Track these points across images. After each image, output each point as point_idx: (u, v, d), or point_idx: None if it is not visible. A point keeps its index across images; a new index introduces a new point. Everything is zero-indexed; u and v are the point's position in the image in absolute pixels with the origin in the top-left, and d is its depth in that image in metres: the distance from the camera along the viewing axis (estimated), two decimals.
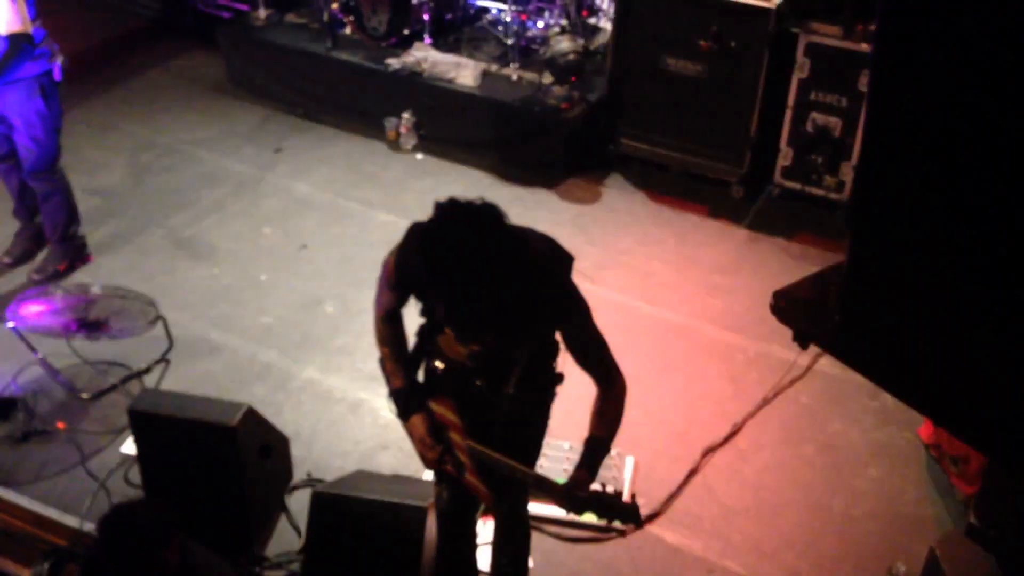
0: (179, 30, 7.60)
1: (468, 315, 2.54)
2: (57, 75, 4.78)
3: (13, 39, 4.49)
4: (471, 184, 5.91)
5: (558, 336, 2.84)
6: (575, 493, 2.69)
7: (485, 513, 3.50)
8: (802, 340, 2.59)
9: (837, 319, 2.42)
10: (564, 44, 5.93)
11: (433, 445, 2.90)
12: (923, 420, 4.26)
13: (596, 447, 2.77)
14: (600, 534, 3.90)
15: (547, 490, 2.76)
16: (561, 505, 2.75)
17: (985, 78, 1.80)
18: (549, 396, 3.03)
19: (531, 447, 3.08)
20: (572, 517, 3.90)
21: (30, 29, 4.55)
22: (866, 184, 2.26)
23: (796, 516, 4.03)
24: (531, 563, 3.49)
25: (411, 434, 2.98)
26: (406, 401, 2.96)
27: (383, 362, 2.99)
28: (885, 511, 4.06)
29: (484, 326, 2.62)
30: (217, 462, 3.67)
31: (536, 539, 3.54)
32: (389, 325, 2.97)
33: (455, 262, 2.41)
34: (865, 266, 2.26)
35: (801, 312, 2.60)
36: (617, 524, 2.75)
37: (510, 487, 3.01)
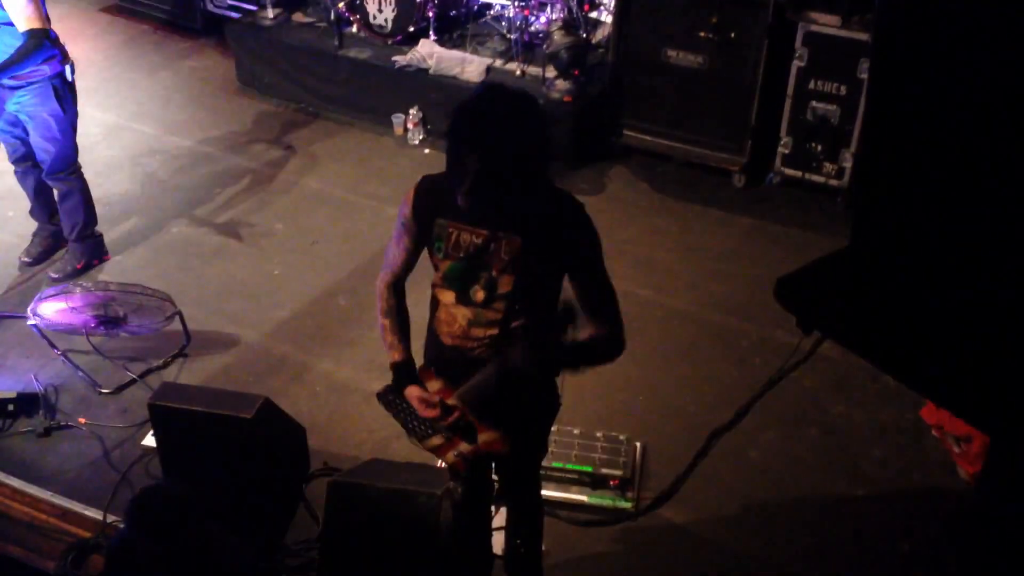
0: (189, 31, 7.68)
1: (488, 178, 2.52)
2: (69, 76, 4.85)
3: (32, 34, 4.55)
4: None
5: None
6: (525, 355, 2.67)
7: (498, 502, 3.56)
8: (805, 326, 2.64)
9: (839, 304, 2.48)
10: (567, 38, 6.01)
11: (431, 400, 2.89)
12: (926, 401, 4.32)
13: (562, 347, 2.70)
14: (610, 517, 3.98)
15: (508, 361, 2.73)
16: (525, 362, 2.70)
17: (984, 63, 1.84)
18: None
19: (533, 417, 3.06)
20: (584, 498, 4.01)
21: (48, 26, 4.63)
22: (867, 170, 2.30)
23: (802, 497, 4.09)
24: (543, 547, 3.57)
25: (410, 399, 2.95)
26: (404, 373, 2.97)
27: (384, 333, 3.00)
28: (889, 491, 4.11)
29: (499, 196, 2.57)
30: (235, 453, 3.75)
31: (548, 523, 3.60)
32: (393, 295, 2.98)
33: (487, 109, 2.54)
34: (866, 251, 2.31)
35: (803, 298, 2.65)
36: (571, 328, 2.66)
37: (513, 420, 2.97)
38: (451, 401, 2.90)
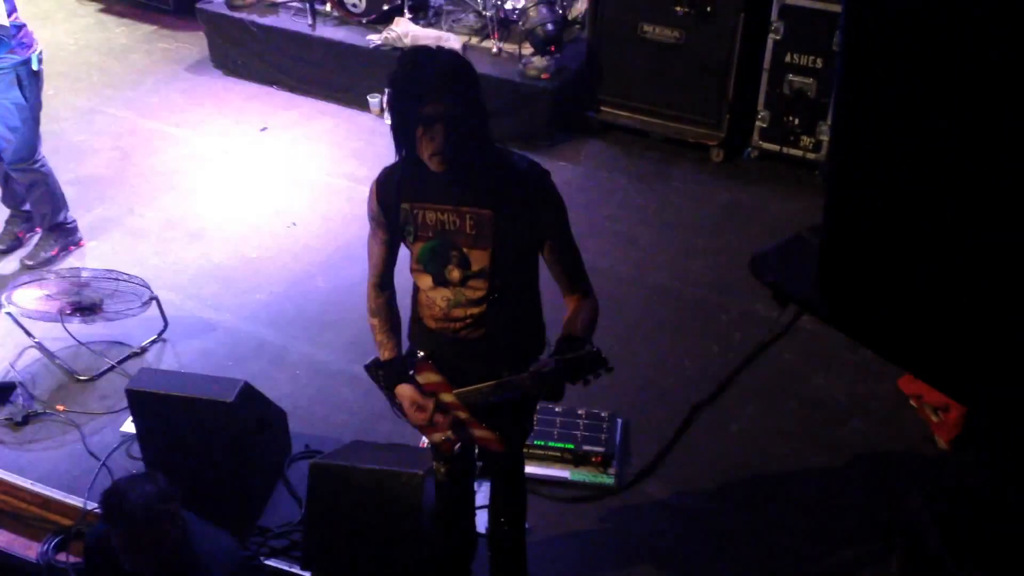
0: (161, 12, 7.60)
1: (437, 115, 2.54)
2: (36, 65, 4.77)
3: None
4: None
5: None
6: (541, 372, 2.66)
7: (482, 475, 3.56)
8: (781, 300, 2.65)
9: (815, 278, 2.48)
10: (542, 15, 5.98)
11: (424, 405, 2.91)
12: (904, 371, 4.36)
13: (570, 342, 2.71)
14: (593, 493, 4.00)
15: (519, 385, 2.75)
16: (536, 392, 2.72)
17: (956, 31, 1.84)
18: (532, 340, 3.02)
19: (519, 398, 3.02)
20: (567, 475, 4.02)
21: (7, 22, 4.56)
22: (840, 142, 2.31)
23: (782, 469, 4.12)
24: (527, 524, 3.58)
25: (401, 400, 2.97)
26: (395, 372, 2.97)
27: (373, 332, 3.01)
28: (869, 462, 4.14)
29: (455, 131, 2.57)
30: (216, 438, 3.74)
31: (531, 501, 3.61)
32: (381, 294, 2.99)
33: (429, 55, 2.61)
34: (840, 223, 2.32)
35: (779, 272, 2.65)
36: (593, 378, 2.67)
37: (513, 425, 3.03)
38: (447, 398, 2.89)
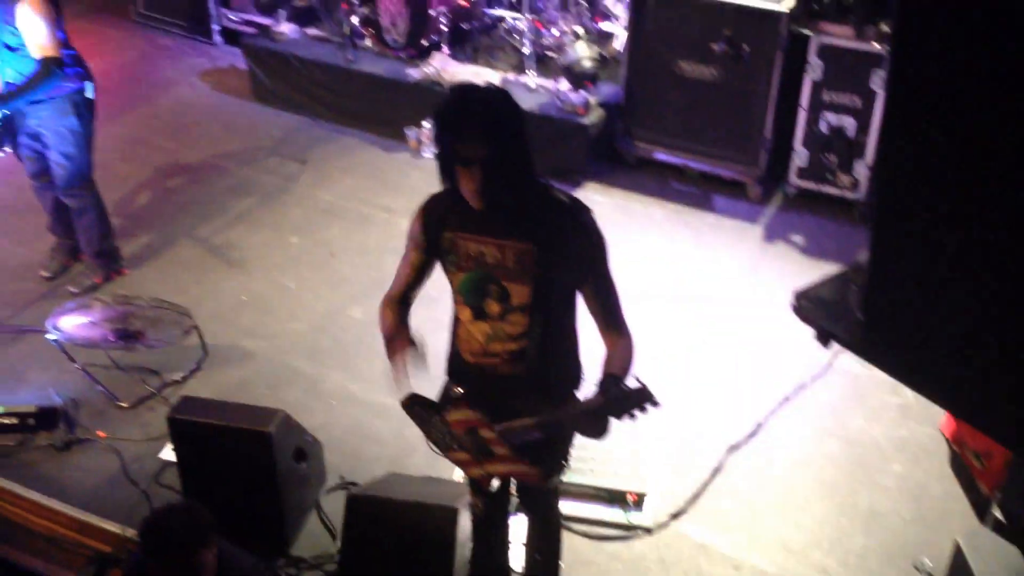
0: (206, 45, 7.75)
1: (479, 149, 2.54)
2: (90, 93, 4.90)
3: (45, 63, 4.60)
4: None
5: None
6: (588, 410, 2.65)
7: (517, 510, 3.56)
8: (823, 339, 2.64)
9: (859, 317, 2.47)
10: (579, 51, 6.04)
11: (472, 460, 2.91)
12: (945, 415, 4.30)
13: (614, 381, 2.70)
14: (627, 532, 3.98)
15: (564, 422, 2.75)
16: (582, 429, 2.73)
17: (1004, 72, 1.84)
18: (570, 376, 3.02)
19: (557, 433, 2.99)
20: (602, 513, 4.00)
21: (60, 53, 4.67)
22: (885, 181, 2.30)
23: (822, 512, 4.08)
24: (561, 563, 3.56)
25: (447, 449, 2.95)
26: (421, 405, 2.94)
27: (388, 351, 2.91)
28: (910, 506, 4.10)
29: (497, 173, 2.57)
30: (254, 467, 3.76)
31: (565, 538, 3.60)
32: (391, 310, 2.95)
33: (476, 94, 2.64)
34: (885, 263, 2.30)
35: (822, 311, 2.65)
36: (640, 413, 2.61)
37: (549, 460, 3.02)
38: (487, 434, 2.88)
